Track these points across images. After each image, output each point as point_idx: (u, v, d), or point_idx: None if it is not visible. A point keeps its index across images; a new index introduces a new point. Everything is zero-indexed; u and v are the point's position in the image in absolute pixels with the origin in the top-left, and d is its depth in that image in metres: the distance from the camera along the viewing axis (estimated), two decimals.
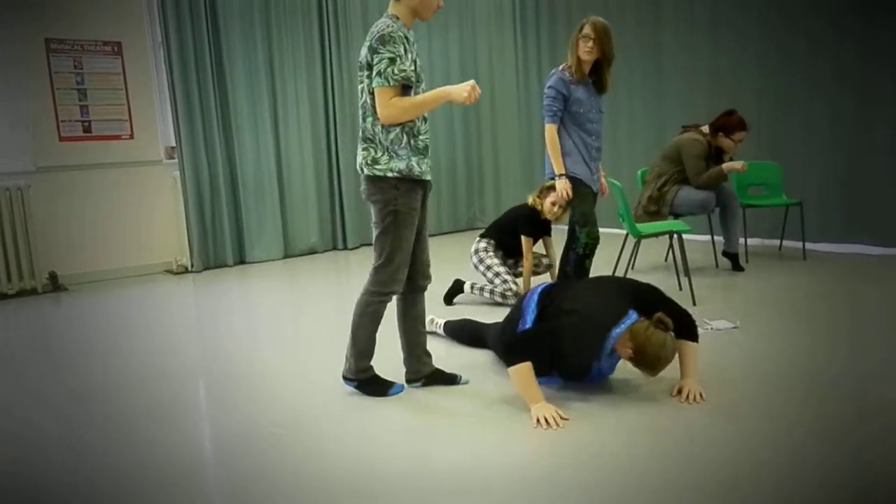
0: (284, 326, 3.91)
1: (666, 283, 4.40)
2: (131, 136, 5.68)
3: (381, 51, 2.39)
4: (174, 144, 5.76)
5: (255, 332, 3.83)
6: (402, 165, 2.48)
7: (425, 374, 2.78)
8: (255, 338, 3.70)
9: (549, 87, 3.48)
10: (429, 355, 2.82)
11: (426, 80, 7.27)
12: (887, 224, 4.95)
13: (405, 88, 2.44)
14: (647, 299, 2.60)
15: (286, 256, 6.32)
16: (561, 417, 2.36)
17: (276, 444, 2.31)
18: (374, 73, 2.40)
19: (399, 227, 2.52)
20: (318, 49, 6.39)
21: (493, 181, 7.73)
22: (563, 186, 3.49)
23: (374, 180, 2.51)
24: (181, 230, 5.83)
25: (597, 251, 3.62)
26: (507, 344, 2.59)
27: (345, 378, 2.72)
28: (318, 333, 3.71)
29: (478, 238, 4.31)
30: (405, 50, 2.43)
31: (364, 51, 2.46)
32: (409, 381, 2.79)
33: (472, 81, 2.41)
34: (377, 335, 2.67)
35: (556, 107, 3.47)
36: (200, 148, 5.78)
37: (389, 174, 2.48)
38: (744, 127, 4.57)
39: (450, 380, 2.80)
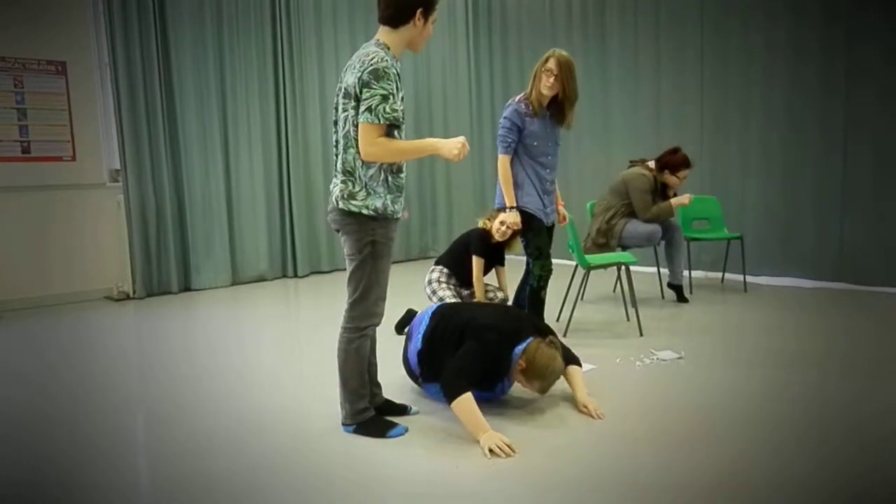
0: (230, 357, 3.80)
1: (614, 314, 4.49)
2: (73, 158, 5.50)
3: (373, 86, 2.29)
4: (119, 167, 5.61)
5: (198, 362, 3.70)
6: (378, 204, 2.41)
7: (375, 405, 2.73)
8: (197, 369, 3.58)
9: (505, 117, 3.47)
10: (379, 386, 2.78)
11: None
12: (819, 258, 5.18)
13: (390, 127, 2.36)
14: (540, 326, 2.86)
15: (234, 283, 6.17)
16: (508, 446, 2.36)
17: (214, 485, 2.23)
18: (364, 107, 2.30)
19: (377, 259, 2.44)
20: (271, 71, 6.34)
21: (445, 210, 7.77)
22: (513, 220, 3.50)
23: (348, 214, 2.42)
24: (123, 255, 5.64)
25: (549, 281, 3.66)
26: (443, 379, 2.55)
27: (344, 424, 2.60)
28: (266, 365, 3.62)
29: (432, 267, 4.30)
30: (397, 88, 2.35)
31: (351, 79, 2.36)
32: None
33: (462, 138, 2.36)
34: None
35: (510, 139, 3.46)
36: (146, 171, 5.64)
37: (365, 212, 2.40)
38: (688, 164, 4.74)
39: (400, 410, 2.76)
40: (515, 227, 3.52)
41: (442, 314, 2.84)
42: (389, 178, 2.44)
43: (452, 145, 2.35)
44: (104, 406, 3.02)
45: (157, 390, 3.22)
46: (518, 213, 3.49)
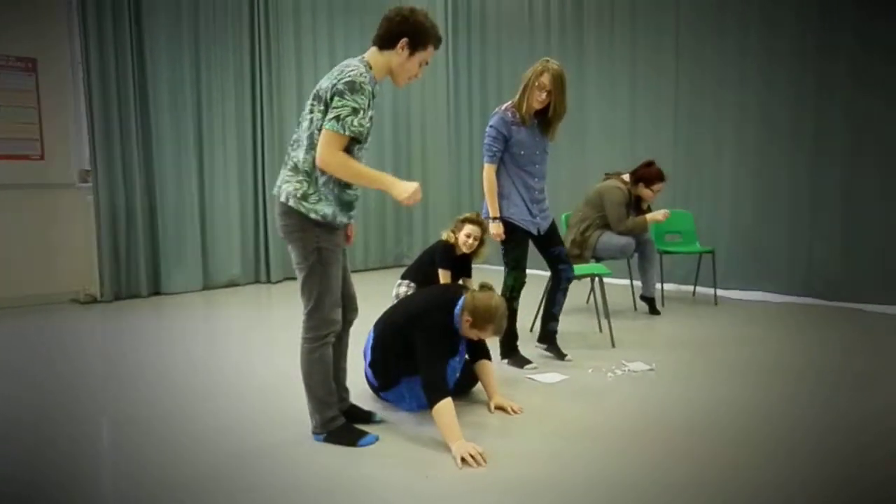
0: (198, 363, 3.73)
1: (586, 325, 4.51)
2: (41, 157, 5.38)
3: (346, 96, 2.27)
4: (88, 167, 5.49)
5: (165, 368, 3.63)
6: (327, 211, 2.38)
7: (341, 410, 2.69)
8: (164, 375, 3.50)
9: (490, 126, 3.42)
10: (346, 391, 2.75)
11: None
12: (788, 273, 5.28)
13: (352, 141, 2.34)
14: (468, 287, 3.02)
15: (205, 288, 6.08)
16: (480, 455, 2.35)
17: (176, 494, 2.17)
18: (332, 115, 2.28)
19: (325, 266, 2.42)
20: (247, 72, 6.28)
21: (421, 218, 7.76)
22: (495, 230, 3.47)
23: (296, 215, 2.39)
24: (92, 257, 5.51)
25: (522, 292, 3.66)
26: (424, 387, 2.56)
27: (314, 433, 2.56)
28: (235, 371, 3.56)
29: (398, 281, 4.26)
30: (368, 105, 2.34)
31: (325, 83, 2.34)
32: None
33: (416, 184, 2.34)
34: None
35: (495, 147, 3.42)
36: (117, 171, 5.53)
37: (312, 216, 2.37)
38: (662, 178, 4.80)
39: (365, 417, 2.73)
40: (498, 238, 3.48)
41: (380, 323, 2.91)
42: (337, 191, 2.40)
43: (405, 188, 2.32)
44: (66, 411, 2.93)
45: (122, 396, 3.15)
46: (501, 224, 3.45)
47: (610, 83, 6.15)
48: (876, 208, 4.86)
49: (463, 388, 3.04)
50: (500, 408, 2.88)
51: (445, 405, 2.46)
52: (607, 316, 4.09)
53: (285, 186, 2.41)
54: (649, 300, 4.91)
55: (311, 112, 2.38)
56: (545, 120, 3.44)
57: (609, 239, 4.71)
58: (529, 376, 3.40)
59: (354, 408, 2.75)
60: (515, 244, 3.50)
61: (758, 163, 5.39)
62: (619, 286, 5.84)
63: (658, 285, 5.07)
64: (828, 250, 5.09)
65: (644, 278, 4.90)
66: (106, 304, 5.41)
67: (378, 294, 4.29)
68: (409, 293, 4.10)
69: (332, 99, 2.30)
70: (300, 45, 6.63)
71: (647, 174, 4.78)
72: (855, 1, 4.77)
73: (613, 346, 3.96)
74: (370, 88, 2.34)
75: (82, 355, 3.93)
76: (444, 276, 4.05)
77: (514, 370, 3.52)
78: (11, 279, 5.27)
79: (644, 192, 4.81)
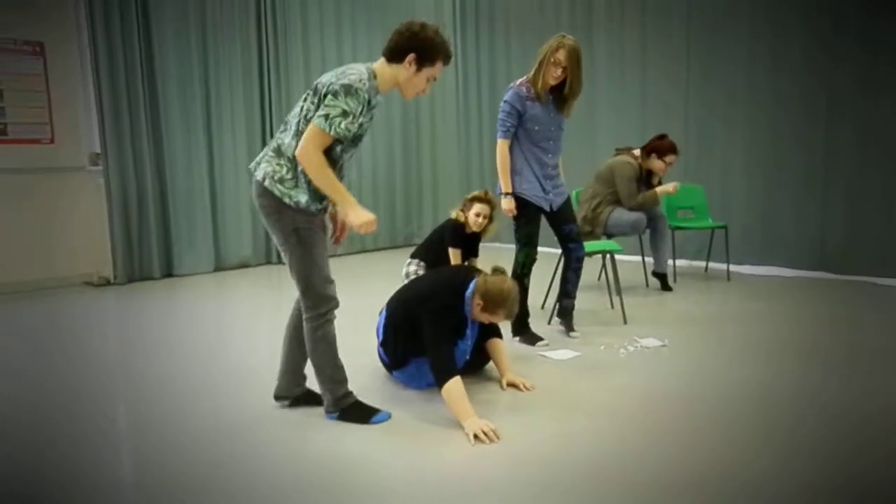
0: (211, 345, 3.76)
1: (598, 302, 4.51)
2: (52, 141, 5.40)
3: (339, 97, 2.27)
4: (99, 150, 5.51)
5: (178, 350, 3.67)
6: (301, 199, 2.37)
7: (295, 395, 2.70)
8: (178, 357, 3.54)
9: (505, 101, 3.38)
10: (304, 378, 2.73)
11: None
12: (799, 248, 5.24)
13: (336, 141, 2.35)
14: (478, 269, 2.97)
15: (217, 269, 6.12)
16: (493, 431, 2.36)
17: (193, 480, 2.20)
18: (323, 112, 2.27)
19: (306, 246, 2.40)
20: (255, 53, 6.26)
21: (431, 197, 7.74)
22: (506, 206, 3.45)
23: (271, 196, 2.37)
24: (104, 240, 5.55)
25: (533, 270, 3.65)
26: (431, 368, 2.57)
27: (327, 412, 2.57)
28: (247, 353, 3.59)
29: (408, 260, 4.27)
30: (361, 112, 2.32)
31: (325, 78, 2.35)
32: (276, 397, 2.71)
33: (374, 216, 2.33)
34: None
35: (509, 122, 3.38)
36: (128, 154, 5.54)
37: (287, 200, 2.37)
38: (675, 150, 4.74)
39: (320, 400, 2.67)
40: (510, 214, 3.46)
41: (391, 303, 2.92)
42: (310, 184, 2.38)
43: (361, 215, 2.31)
44: (80, 394, 2.97)
45: (135, 378, 3.18)
46: (513, 200, 3.43)
47: (620, 57, 6.07)
48: (888, 182, 4.80)
49: (475, 367, 3.05)
50: (512, 385, 2.89)
51: (454, 384, 2.48)
52: (619, 292, 4.08)
53: (265, 166, 2.41)
54: (661, 276, 4.89)
55: (305, 101, 2.38)
56: (561, 96, 3.39)
57: (620, 215, 4.68)
58: (541, 353, 3.40)
59: (310, 392, 2.72)
60: (527, 220, 3.48)
61: (769, 137, 5.32)
62: (631, 262, 5.81)
63: (670, 261, 5.04)
64: (839, 224, 5.05)
65: (656, 254, 4.87)
66: (119, 287, 5.46)
67: (389, 273, 4.30)
68: (418, 272, 4.11)
69: (325, 96, 2.30)
70: (307, 24, 6.58)
71: (660, 146, 4.73)
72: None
73: (625, 322, 3.96)
74: (366, 96, 2.33)
75: (96, 337, 3.97)
76: (454, 255, 4.05)
77: (525, 347, 3.52)
78: (25, 263, 5.32)
79: (656, 163, 4.75)
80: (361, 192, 7.04)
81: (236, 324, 4.20)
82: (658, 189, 4.72)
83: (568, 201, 3.61)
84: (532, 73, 3.37)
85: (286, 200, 2.36)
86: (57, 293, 5.23)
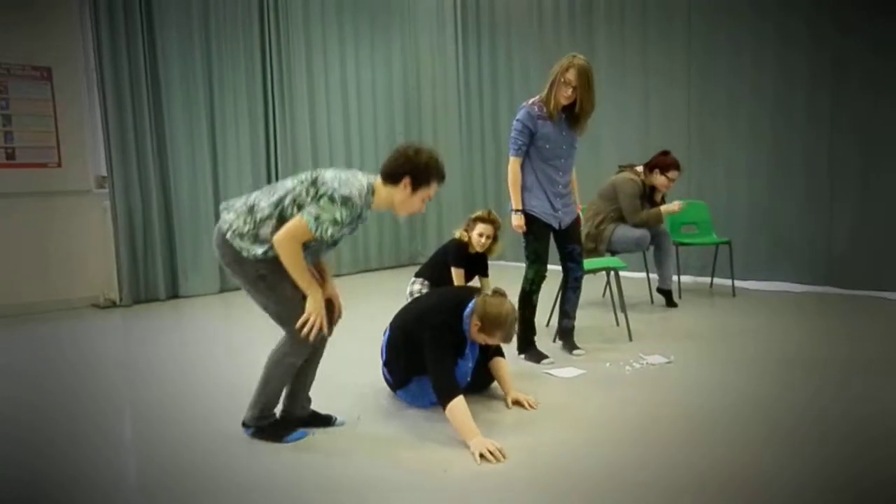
0: (216, 367, 3.76)
1: (603, 319, 4.49)
2: (59, 164, 5.45)
3: (336, 205, 2.33)
4: (105, 173, 5.56)
5: (184, 372, 3.66)
6: (259, 251, 2.40)
7: (299, 416, 2.70)
8: (183, 379, 3.54)
9: (517, 120, 3.43)
10: (309, 400, 2.74)
11: (370, 115, 7.24)
12: (806, 263, 5.21)
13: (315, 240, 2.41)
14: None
15: (222, 290, 6.12)
16: (499, 451, 2.34)
17: (196, 497, 2.19)
18: (315, 212, 2.32)
19: (276, 288, 2.42)
20: (259, 75, 6.33)
21: (435, 216, 7.76)
22: (516, 222, 3.49)
23: (232, 248, 2.42)
24: (110, 262, 5.58)
25: (542, 286, 3.64)
26: (434, 387, 2.58)
27: (244, 426, 2.59)
28: (251, 375, 3.57)
29: (412, 279, 4.27)
30: (350, 218, 2.37)
31: (329, 175, 2.40)
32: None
33: (323, 314, 2.40)
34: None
35: (520, 141, 3.42)
36: (133, 177, 5.59)
37: (245, 254, 2.40)
38: (678, 167, 4.75)
39: (325, 421, 2.71)
40: (519, 230, 3.50)
41: (393, 323, 2.94)
42: (275, 255, 2.41)
43: (317, 305, 2.40)
44: (85, 414, 2.97)
45: (141, 400, 3.18)
46: (522, 216, 3.47)
47: (621, 75, 6.10)
48: (894, 193, 4.78)
49: (479, 386, 3.03)
50: (517, 403, 2.88)
51: (457, 403, 2.47)
52: (624, 309, 4.07)
53: (231, 216, 2.45)
54: (666, 292, 4.88)
55: (303, 184, 2.41)
56: (573, 115, 3.43)
57: (624, 232, 4.68)
58: (547, 371, 3.39)
59: (314, 413, 2.74)
60: (535, 237, 3.51)
61: (773, 151, 5.32)
62: (636, 279, 5.79)
63: (675, 277, 5.03)
64: (847, 238, 5.03)
65: (660, 271, 4.86)
66: (125, 309, 5.47)
67: (393, 292, 4.30)
68: (422, 291, 4.10)
69: (321, 197, 2.35)
70: (310, 49, 6.66)
71: (663, 162, 4.75)
72: None
73: (631, 339, 3.94)
74: (359, 211, 2.40)
75: (102, 359, 3.98)
76: (457, 275, 4.05)
77: (530, 365, 3.51)
78: (32, 285, 5.34)
79: (659, 179, 4.76)
80: None
81: (241, 345, 4.20)
82: (662, 208, 4.73)
83: (576, 221, 3.65)
84: (545, 92, 3.41)
85: (244, 254, 2.41)
86: (63, 315, 5.25)
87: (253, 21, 6.25)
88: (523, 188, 3.47)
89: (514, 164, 3.47)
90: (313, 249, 2.48)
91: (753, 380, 3.15)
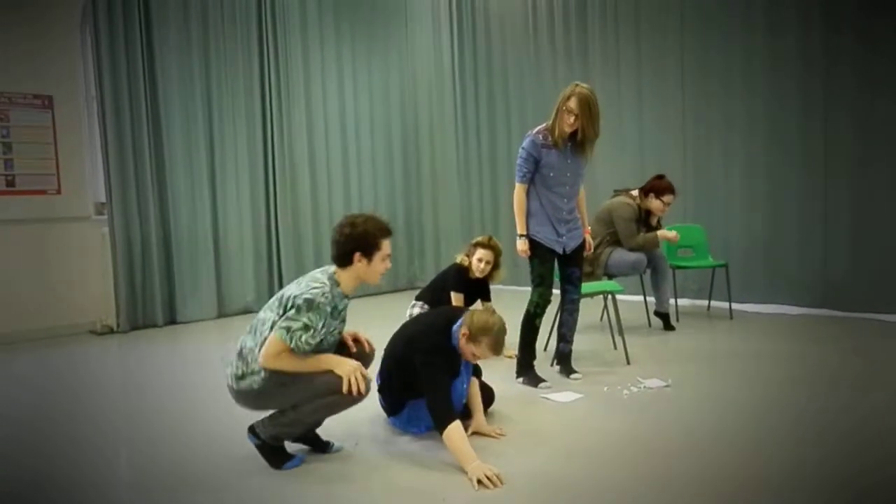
0: (213, 392, 3.74)
1: (600, 343, 4.49)
2: (58, 191, 5.48)
3: (302, 312, 2.39)
4: (104, 200, 5.59)
5: (180, 398, 3.65)
6: (257, 378, 2.46)
7: (301, 437, 2.70)
8: (179, 405, 3.52)
9: (522, 148, 3.50)
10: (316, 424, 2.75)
11: (367, 140, 7.30)
12: (803, 285, 5.22)
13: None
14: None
15: (220, 316, 6.12)
16: (497, 476, 2.33)
17: None
18: (285, 325, 2.38)
19: (300, 379, 2.44)
20: (258, 103, 6.40)
21: (432, 239, 7.78)
22: (520, 247, 3.54)
23: (242, 393, 2.50)
24: (108, 288, 5.58)
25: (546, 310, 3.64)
26: (430, 411, 2.57)
27: (251, 433, 2.57)
28: None
29: (413, 302, 4.28)
30: (321, 321, 2.42)
31: (291, 290, 2.47)
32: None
33: (357, 366, 2.43)
34: None
35: (525, 168, 3.49)
36: (132, 203, 5.62)
37: (255, 385, 2.47)
38: (672, 191, 4.79)
39: (322, 447, 2.71)
40: (524, 254, 3.55)
41: (387, 348, 2.93)
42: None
43: (349, 369, 2.41)
44: (83, 443, 2.96)
45: (139, 426, 3.16)
46: (526, 241, 3.53)
47: (616, 101, 6.17)
48: (889, 215, 4.81)
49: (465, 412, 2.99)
50: (477, 433, 2.78)
51: (454, 429, 2.47)
52: (621, 333, 4.07)
53: (228, 370, 2.54)
54: (663, 316, 4.88)
55: (273, 310, 2.48)
56: (578, 144, 3.48)
57: (620, 255, 4.70)
58: (544, 396, 3.38)
59: (316, 437, 2.74)
60: (539, 261, 3.56)
61: (768, 174, 5.37)
62: (633, 302, 5.79)
63: (672, 300, 5.03)
64: (844, 261, 5.04)
65: (657, 294, 4.87)
66: (122, 335, 5.46)
67: (391, 317, 4.30)
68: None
69: (290, 309, 2.41)
70: (308, 77, 6.74)
71: (658, 186, 4.78)
72: (857, 2, 4.77)
73: (628, 363, 3.94)
74: (328, 309, 2.44)
75: (99, 386, 3.96)
76: (456, 300, 4.06)
77: (528, 389, 3.50)
78: (30, 312, 5.34)
79: (654, 203, 4.79)
80: None
81: None
82: (659, 233, 4.75)
83: (581, 246, 3.68)
84: (550, 120, 3.47)
85: (255, 386, 2.47)
86: (60, 342, 5.23)
87: (252, 50, 6.34)
88: (528, 214, 3.54)
89: (519, 191, 3.54)
90: (327, 343, 2.53)
91: (753, 403, 3.14)
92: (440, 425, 2.49)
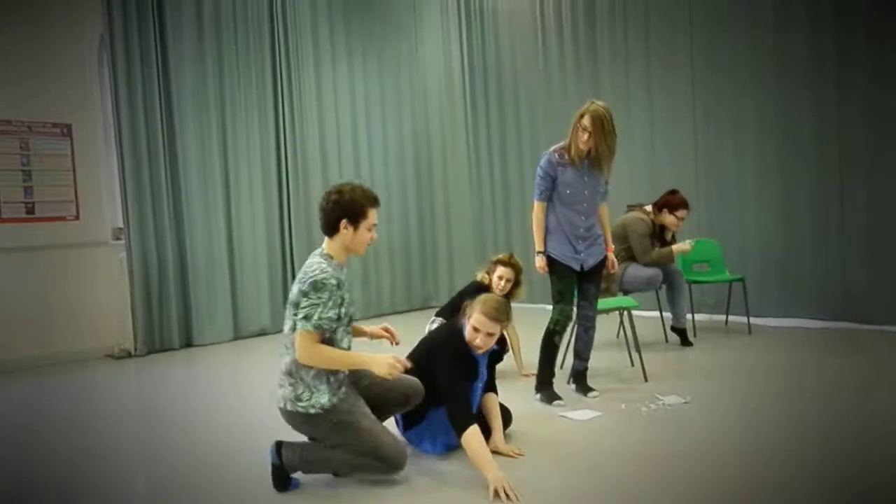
0: (231, 415, 3.75)
1: (617, 359, 4.45)
2: (77, 218, 5.57)
3: (310, 296, 2.42)
4: (122, 225, 5.66)
5: (197, 421, 3.66)
6: (323, 401, 2.46)
7: None
8: (197, 428, 3.53)
9: (539, 166, 3.55)
10: None
11: (380, 161, 7.34)
12: (822, 298, 5.16)
13: (335, 328, 2.48)
14: None
15: (236, 338, 6.15)
16: (514, 491, 2.33)
17: None
18: (302, 315, 2.42)
19: (353, 425, 2.46)
20: (272, 129, 6.48)
21: (446, 259, 7.78)
22: (538, 263, 3.56)
23: (297, 416, 2.49)
24: (125, 313, 5.63)
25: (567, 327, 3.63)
26: (449, 414, 2.60)
27: (275, 450, 2.54)
28: (265, 423, 3.56)
29: (432, 318, 4.28)
30: (330, 296, 2.44)
31: (295, 289, 2.50)
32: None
33: (394, 357, 2.45)
34: None
35: (542, 186, 3.53)
36: (149, 228, 5.69)
37: (312, 411, 2.46)
38: (686, 205, 4.77)
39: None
40: (542, 271, 3.57)
41: (408, 358, 2.91)
42: (330, 377, 2.49)
43: (383, 362, 2.43)
44: (102, 467, 2.97)
45: (157, 450, 3.17)
46: (544, 258, 3.55)
47: (626, 116, 6.17)
48: None
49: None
50: (496, 452, 2.73)
51: (473, 433, 2.49)
52: (638, 349, 4.04)
53: (281, 392, 2.54)
54: (681, 331, 4.84)
55: (290, 318, 2.50)
56: (595, 162, 3.50)
57: (635, 271, 4.67)
58: (562, 414, 3.35)
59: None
60: (558, 278, 3.57)
61: (783, 186, 5.33)
62: (649, 318, 5.75)
63: (689, 315, 4.99)
64: (862, 272, 4.97)
65: (674, 309, 4.84)
66: (140, 359, 5.50)
67: (407, 336, 4.31)
68: None
69: (301, 300, 2.44)
70: (321, 98, 6.83)
71: (671, 201, 4.77)
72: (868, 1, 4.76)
73: (646, 380, 3.90)
74: (333, 281, 2.46)
75: (118, 410, 3.98)
76: None
77: (545, 407, 3.47)
78: (50, 336, 5.39)
79: (668, 218, 4.77)
80: (378, 256, 7.13)
81: (255, 392, 4.19)
82: (674, 247, 4.72)
83: (602, 262, 3.67)
84: (567, 139, 3.50)
85: (311, 412, 2.46)
86: (78, 367, 5.27)
87: (265, 77, 6.44)
88: (547, 230, 3.57)
89: (537, 209, 3.58)
90: (348, 315, 2.53)
91: (774, 420, 3.09)
92: (459, 429, 2.50)
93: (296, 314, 2.45)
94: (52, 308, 5.41)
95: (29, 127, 5.37)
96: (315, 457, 2.51)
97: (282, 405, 2.51)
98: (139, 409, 3.99)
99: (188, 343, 5.91)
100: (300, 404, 2.46)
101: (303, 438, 2.61)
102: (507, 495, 2.30)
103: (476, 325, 2.74)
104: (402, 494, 2.47)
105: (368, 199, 2.57)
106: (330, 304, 2.44)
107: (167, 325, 5.78)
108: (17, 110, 5.31)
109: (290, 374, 2.50)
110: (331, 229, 2.56)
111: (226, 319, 6.10)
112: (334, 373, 2.51)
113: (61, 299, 5.45)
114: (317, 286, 2.42)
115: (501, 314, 2.75)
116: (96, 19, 5.53)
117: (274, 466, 2.55)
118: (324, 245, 2.60)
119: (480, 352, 2.80)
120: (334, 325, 2.47)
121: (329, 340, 2.48)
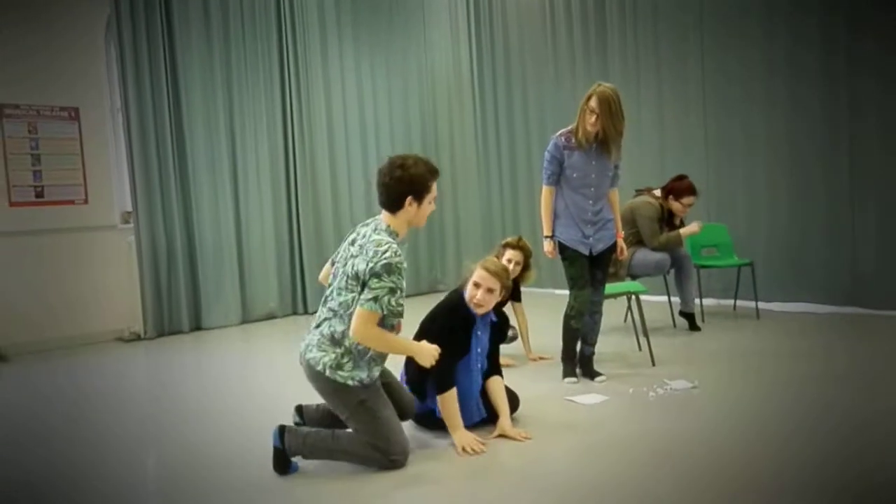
0: (239, 398, 3.78)
1: (625, 344, 4.45)
2: (85, 201, 5.59)
3: (384, 279, 2.39)
4: (130, 209, 5.68)
5: (207, 404, 3.69)
6: (363, 375, 2.48)
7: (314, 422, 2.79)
8: (207, 411, 3.56)
9: (546, 151, 3.54)
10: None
11: (388, 146, 7.32)
12: (830, 283, 5.13)
13: (391, 316, 2.46)
14: None
15: (244, 322, 6.18)
16: (480, 443, 2.61)
17: None
18: (371, 296, 2.38)
19: (374, 411, 2.48)
20: (279, 112, 6.46)
21: (453, 243, 7.78)
22: (547, 248, 3.57)
23: (332, 383, 2.48)
24: (134, 296, 5.67)
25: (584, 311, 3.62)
26: (434, 372, 2.67)
27: (280, 434, 2.53)
28: (274, 406, 3.59)
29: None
30: (400, 280, 2.43)
31: (361, 265, 2.43)
32: (296, 408, 2.88)
33: (437, 349, 2.53)
34: None
35: (550, 170, 3.52)
36: (158, 212, 5.71)
37: (350, 383, 2.46)
38: (693, 192, 4.74)
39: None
40: (551, 256, 3.59)
41: (417, 331, 3.04)
42: (377, 357, 2.53)
43: (430, 355, 2.53)
44: (111, 449, 3.00)
45: (166, 432, 3.21)
46: (552, 242, 3.56)
47: (636, 98, 6.12)
48: None
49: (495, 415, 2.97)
50: (503, 436, 2.79)
51: (450, 395, 2.69)
52: (646, 334, 4.04)
53: (321, 355, 2.50)
54: (689, 316, 4.83)
55: (351, 291, 2.46)
56: (603, 144, 3.47)
57: (644, 256, 4.66)
58: (569, 398, 3.36)
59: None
60: (569, 263, 3.58)
61: (793, 171, 5.28)
62: (657, 303, 5.74)
63: (697, 300, 4.98)
64: (871, 257, 4.95)
65: (682, 294, 4.82)
66: (149, 342, 5.54)
67: (413, 321, 4.32)
68: None
69: (370, 280, 2.40)
70: (328, 83, 6.79)
71: (678, 187, 4.74)
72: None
73: (654, 364, 3.90)
74: (406, 265, 2.47)
75: (127, 392, 4.03)
76: None
77: (553, 391, 3.48)
78: (59, 320, 5.44)
79: (674, 205, 4.74)
80: None
81: (263, 376, 4.22)
82: (682, 230, 4.70)
83: (610, 248, 3.65)
84: (575, 122, 3.47)
85: (349, 383, 2.47)
86: (88, 350, 5.32)
87: (272, 60, 6.40)
88: (555, 215, 3.57)
89: (546, 193, 3.57)
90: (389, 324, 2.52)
91: (780, 405, 3.09)
92: (440, 388, 2.68)
93: (360, 291, 2.42)
94: (61, 291, 5.45)
95: (37, 111, 5.37)
96: (319, 445, 2.52)
97: (319, 368, 2.48)
98: (149, 392, 4.03)
99: (197, 326, 5.95)
100: (340, 373, 2.46)
101: (318, 401, 2.69)
102: (473, 450, 2.58)
103: (477, 280, 2.81)
104: (401, 483, 2.48)
105: (432, 171, 2.54)
106: (399, 291, 2.43)
107: (176, 309, 5.82)
108: (24, 94, 5.31)
109: (337, 342, 2.48)
110: (395, 206, 2.51)
111: (234, 303, 6.13)
112: (382, 355, 2.53)
113: (71, 283, 5.49)
114: (391, 269, 2.39)
115: (501, 270, 2.84)
116: (103, 3, 5.51)
117: (276, 449, 2.56)
118: (382, 218, 2.55)
119: (481, 310, 2.83)
120: (402, 317, 2.49)
121: (380, 322, 2.46)
